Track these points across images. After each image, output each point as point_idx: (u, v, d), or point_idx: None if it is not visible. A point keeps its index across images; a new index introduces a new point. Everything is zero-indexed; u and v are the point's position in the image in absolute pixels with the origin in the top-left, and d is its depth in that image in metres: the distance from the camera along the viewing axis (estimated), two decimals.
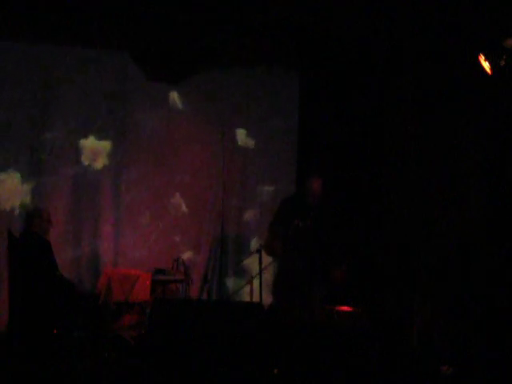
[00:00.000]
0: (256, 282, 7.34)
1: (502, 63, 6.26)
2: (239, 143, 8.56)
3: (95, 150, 8.10)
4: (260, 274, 7.27)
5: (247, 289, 7.56)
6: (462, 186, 7.26)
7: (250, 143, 8.58)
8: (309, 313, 6.46)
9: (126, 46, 8.07)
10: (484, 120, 7.03)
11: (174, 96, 8.36)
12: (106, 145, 8.15)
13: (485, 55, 6.32)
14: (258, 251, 7.32)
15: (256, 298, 7.51)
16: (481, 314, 6.75)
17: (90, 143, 8.08)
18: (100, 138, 8.11)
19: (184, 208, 8.36)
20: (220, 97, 8.45)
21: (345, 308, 6.58)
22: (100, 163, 8.12)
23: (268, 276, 7.75)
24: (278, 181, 8.61)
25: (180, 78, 8.29)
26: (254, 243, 8.38)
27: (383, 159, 8.08)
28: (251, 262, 7.99)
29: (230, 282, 8.45)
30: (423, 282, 7.32)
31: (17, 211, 7.69)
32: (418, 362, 6.57)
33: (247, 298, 7.74)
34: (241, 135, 8.56)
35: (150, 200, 8.26)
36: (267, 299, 7.56)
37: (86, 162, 8.06)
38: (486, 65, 6.33)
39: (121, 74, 8.17)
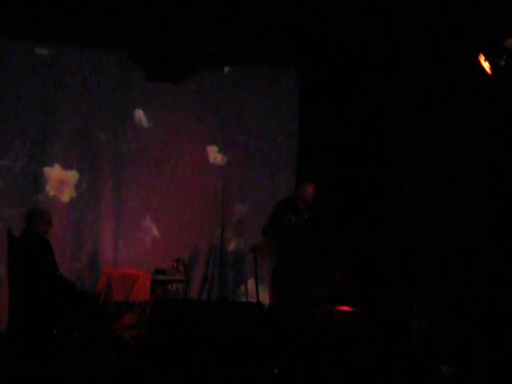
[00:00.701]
0: (252, 282, 7.37)
1: (502, 63, 6.26)
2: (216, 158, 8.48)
3: (62, 178, 7.86)
4: (255, 273, 7.28)
5: (246, 288, 7.58)
6: (462, 186, 7.27)
7: (249, 145, 8.57)
8: (309, 313, 6.46)
9: (126, 45, 8.06)
10: (484, 120, 7.04)
11: (140, 114, 8.16)
12: (72, 174, 7.92)
13: (485, 55, 6.33)
14: (253, 251, 7.34)
15: (252, 298, 7.54)
16: (481, 313, 6.75)
17: (55, 172, 7.85)
18: (66, 166, 7.88)
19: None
20: (206, 105, 8.37)
21: (345, 308, 6.58)
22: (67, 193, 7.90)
23: (264, 276, 7.77)
24: (277, 181, 8.59)
25: (180, 78, 8.28)
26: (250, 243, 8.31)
27: (383, 159, 8.08)
28: (246, 262, 8.01)
29: (229, 282, 8.43)
30: (423, 281, 7.32)
31: None
32: (418, 362, 6.57)
33: (243, 298, 7.78)
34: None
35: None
36: (264, 299, 7.57)
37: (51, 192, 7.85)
38: (486, 65, 6.33)
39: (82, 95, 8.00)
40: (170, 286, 7.68)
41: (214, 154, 8.42)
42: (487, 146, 7.04)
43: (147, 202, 8.17)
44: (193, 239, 8.27)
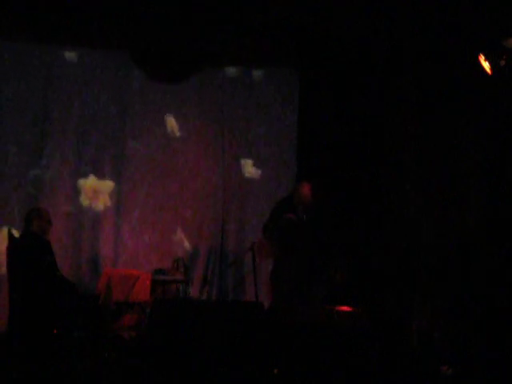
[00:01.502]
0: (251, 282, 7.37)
1: (502, 63, 6.27)
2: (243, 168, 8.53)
3: (95, 188, 7.97)
4: (255, 273, 7.27)
5: (243, 288, 7.57)
6: (462, 186, 7.27)
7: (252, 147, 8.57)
8: (309, 313, 6.46)
9: (126, 45, 8.06)
10: (484, 120, 7.04)
11: (172, 122, 8.22)
12: (105, 184, 8.02)
13: (485, 55, 6.33)
14: (252, 251, 7.33)
15: (251, 297, 7.53)
16: (481, 314, 6.75)
17: (89, 182, 7.96)
18: (98, 175, 7.99)
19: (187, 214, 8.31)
20: (218, 102, 8.38)
21: (345, 308, 6.57)
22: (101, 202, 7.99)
23: (263, 275, 7.77)
24: (277, 181, 8.58)
25: (180, 78, 8.28)
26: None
27: (383, 159, 8.09)
28: (245, 261, 8.02)
29: (229, 282, 8.42)
30: (423, 281, 7.32)
31: None
32: (418, 362, 6.57)
33: (243, 298, 7.76)
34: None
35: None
36: (264, 299, 7.57)
37: (85, 202, 7.95)
38: (486, 65, 6.34)
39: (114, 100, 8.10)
40: (170, 285, 7.68)
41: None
42: (487, 146, 7.05)
43: (147, 199, 8.16)
44: (193, 239, 8.27)
